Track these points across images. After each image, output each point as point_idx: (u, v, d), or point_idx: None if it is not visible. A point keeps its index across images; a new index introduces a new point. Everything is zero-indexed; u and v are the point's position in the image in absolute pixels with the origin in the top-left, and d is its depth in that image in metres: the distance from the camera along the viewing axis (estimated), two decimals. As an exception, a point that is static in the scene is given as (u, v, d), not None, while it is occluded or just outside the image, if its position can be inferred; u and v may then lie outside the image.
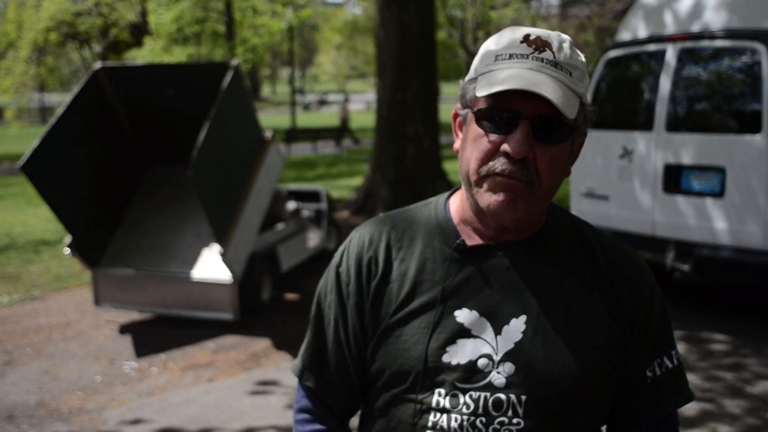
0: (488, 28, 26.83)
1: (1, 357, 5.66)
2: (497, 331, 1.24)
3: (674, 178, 5.91)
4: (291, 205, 7.56)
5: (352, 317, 1.34)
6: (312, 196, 8.51)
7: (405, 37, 10.96)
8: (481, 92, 1.18)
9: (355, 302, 1.33)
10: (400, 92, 11.07)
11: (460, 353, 1.24)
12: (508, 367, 1.22)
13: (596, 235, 1.35)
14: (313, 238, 8.14)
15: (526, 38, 1.20)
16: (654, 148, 6.02)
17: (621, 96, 6.75)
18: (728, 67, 5.75)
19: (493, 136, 1.20)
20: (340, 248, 1.40)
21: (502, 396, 1.21)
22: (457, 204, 1.35)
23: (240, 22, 24.64)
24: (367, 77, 67.79)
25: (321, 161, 21.21)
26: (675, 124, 5.93)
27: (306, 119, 40.89)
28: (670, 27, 6.20)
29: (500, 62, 1.20)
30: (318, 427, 1.38)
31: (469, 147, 1.24)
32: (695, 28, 5.96)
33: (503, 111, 1.19)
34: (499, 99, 1.18)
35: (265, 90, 76.54)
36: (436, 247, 1.31)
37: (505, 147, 1.18)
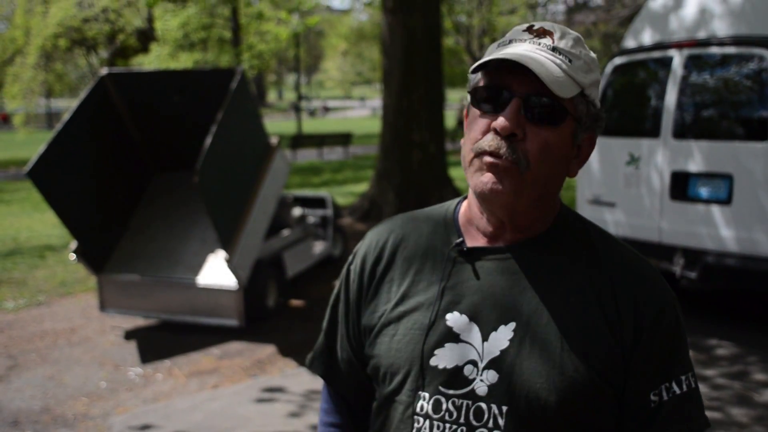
0: (494, 35, 26.86)
1: (6, 362, 5.66)
2: (484, 337, 1.20)
3: (681, 185, 5.88)
4: (296, 211, 7.56)
5: (353, 314, 1.37)
6: (317, 203, 8.51)
7: (411, 44, 10.96)
8: (472, 68, 1.19)
9: (356, 299, 1.36)
10: (405, 98, 11.06)
11: (447, 357, 1.21)
12: (491, 376, 1.18)
13: (607, 244, 1.28)
14: (319, 245, 8.14)
15: (529, 27, 1.22)
16: (661, 155, 6.00)
17: (628, 103, 6.74)
18: (735, 74, 5.73)
19: (487, 115, 1.19)
20: (356, 247, 1.43)
21: (484, 405, 1.18)
22: (465, 205, 1.34)
23: (246, 28, 24.71)
24: (372, 83, 68.00)
25: (326, 167, 21.22)
26: (682, 131, 5.91)
27: (312, 125, 40.96)
28: (676, 34, 6.19)
29: (500, 48, 1.21)
30: (330, 419, 1.46)
31: (468, 131, 1.24)
32: (702, 34, 5.95)
33: (495, 88, 1.18)
34: (494, 78, 1.19)
35: (271, 96, 76.79)
36: (438, 248, 1.30)
37: (493, 123, 1.17)
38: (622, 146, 6.36)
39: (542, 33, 1.21)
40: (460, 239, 1.29)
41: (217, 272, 6.08)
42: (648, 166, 6.11)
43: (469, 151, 1.21)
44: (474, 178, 1.20)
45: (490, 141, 1.17)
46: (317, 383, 5.04)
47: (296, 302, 7.19)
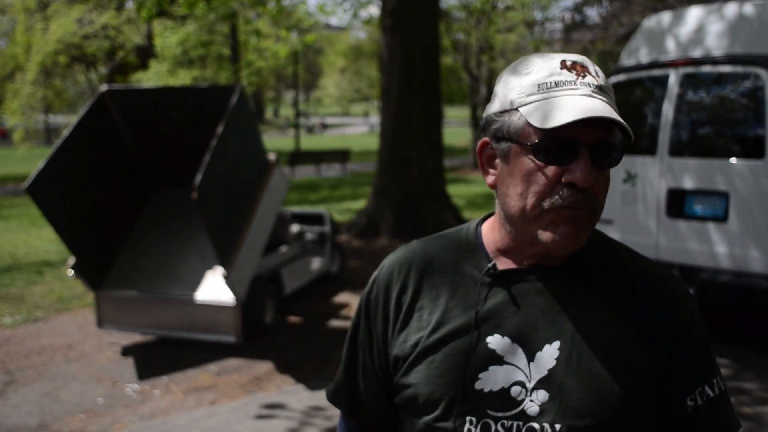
0: (492, 53, 26.98)
1: (3, 378, 5.65)
2: (530, 358, 1.20)
3: (678, 203, 5.91)
4: (294, 228, 7.57)
5: (378, 345, 1.34)
6: (315, 219, 8.53)
7: (409, 62, 11.03)
8: (548, 123, 1.13)
9: (383, 331, 1.33)
10: (404, 116, 11.12)
11: (492, 380, 1.20)
12: (542, 395, 1.18)
13: (632, 257, 1.31)
14: (317, 261, 8.14)
15: (563, 64, 1.18)
16: (657, 173, 6.03)
17: (624, 120, 6.76)
18: (731, 92, 5.77)
19: (552, 168, 1.16)
20: (372, 276, 1.40)
21: (536, 425, 1.17)
22: (490, 232, 1.32)
23: (245, 45, 24.83)
24: (370, 100, 68.22)
25: (324, 184, 21.26)
26: (678, 149, 5.94)
27: (309, 142, 41.04)
28: (672, 52, 6.24)
29: (547, 91, 1.17)
30: None
31: (519, 182, 1.19)
32: (697, 53, 6.00)
33: (564, 141, 1.15)
34: (555, 129, 1.13)
35: (269, 113, 76.95)
36: (467, 272, 1.29)
37: (568, 177, 1.15)
38: (618, 163, 6.38)
39: (581, 71, 1.18)
40: (492, 263, 1.27)
41: (215, 288, 6.08)
42: (644, 184, 6.14)
43: (536, 205, 1.17)
44: (546, 232, 1.18)
45: (569, 196, 1.16)
46: (315, 400, 5.03)
47: (294, 319, 7.18)
